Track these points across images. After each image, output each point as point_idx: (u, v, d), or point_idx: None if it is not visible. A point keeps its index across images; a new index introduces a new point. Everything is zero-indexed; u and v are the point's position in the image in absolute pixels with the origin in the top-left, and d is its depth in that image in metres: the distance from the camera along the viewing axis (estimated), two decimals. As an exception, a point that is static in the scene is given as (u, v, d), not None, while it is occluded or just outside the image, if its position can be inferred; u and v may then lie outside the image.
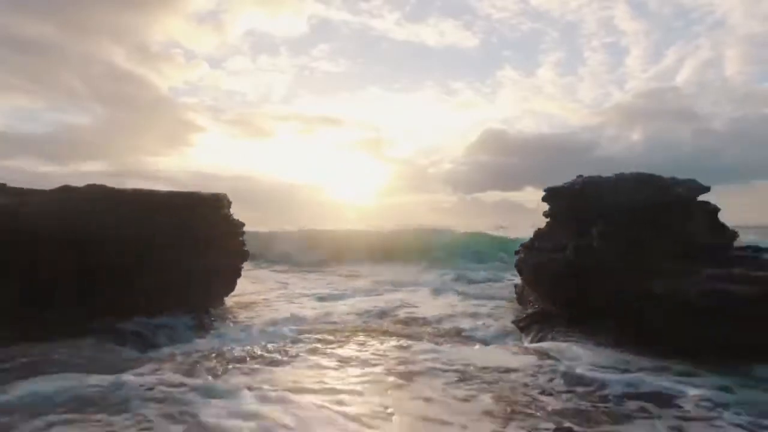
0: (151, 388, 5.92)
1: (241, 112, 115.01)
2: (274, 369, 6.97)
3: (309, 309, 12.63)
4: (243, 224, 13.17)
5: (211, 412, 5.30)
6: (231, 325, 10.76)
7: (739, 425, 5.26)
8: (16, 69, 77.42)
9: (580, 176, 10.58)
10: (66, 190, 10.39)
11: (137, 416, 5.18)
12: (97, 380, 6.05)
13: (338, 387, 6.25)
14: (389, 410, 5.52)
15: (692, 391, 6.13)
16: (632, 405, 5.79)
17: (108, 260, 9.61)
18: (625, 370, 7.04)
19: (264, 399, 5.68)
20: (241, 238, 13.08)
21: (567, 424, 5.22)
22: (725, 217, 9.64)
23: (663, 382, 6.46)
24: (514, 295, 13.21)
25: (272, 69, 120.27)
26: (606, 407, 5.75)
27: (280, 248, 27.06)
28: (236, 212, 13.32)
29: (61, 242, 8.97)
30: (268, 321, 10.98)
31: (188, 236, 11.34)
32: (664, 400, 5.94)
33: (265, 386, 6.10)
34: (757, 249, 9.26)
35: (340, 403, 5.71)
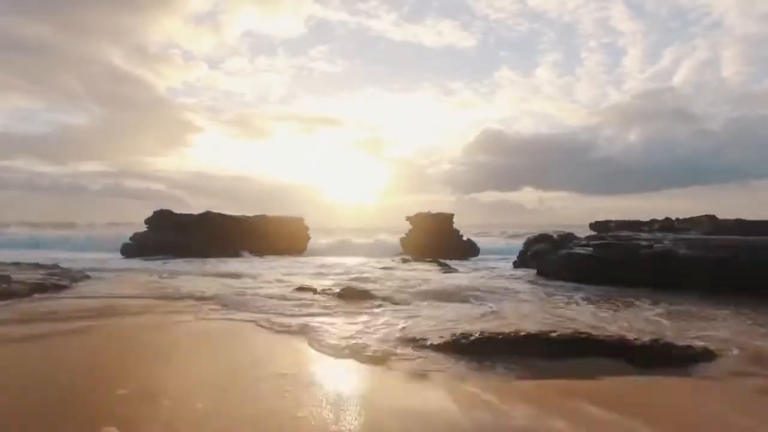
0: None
1: (240, 113, 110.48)
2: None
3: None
4: (308, 227, 34.67)
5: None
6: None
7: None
8: (15, 69, 79.19)
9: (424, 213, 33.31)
10: (265, 219, 31.94)
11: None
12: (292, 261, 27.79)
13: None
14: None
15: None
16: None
17: (267, 235, 31.16)
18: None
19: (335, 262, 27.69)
20: (307, 231, 34.54)
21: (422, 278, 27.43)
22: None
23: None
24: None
25: (270, 69, 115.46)
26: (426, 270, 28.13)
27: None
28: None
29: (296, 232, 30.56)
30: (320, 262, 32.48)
31: (293, 230, 32.88)
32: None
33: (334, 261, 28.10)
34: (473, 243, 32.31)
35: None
